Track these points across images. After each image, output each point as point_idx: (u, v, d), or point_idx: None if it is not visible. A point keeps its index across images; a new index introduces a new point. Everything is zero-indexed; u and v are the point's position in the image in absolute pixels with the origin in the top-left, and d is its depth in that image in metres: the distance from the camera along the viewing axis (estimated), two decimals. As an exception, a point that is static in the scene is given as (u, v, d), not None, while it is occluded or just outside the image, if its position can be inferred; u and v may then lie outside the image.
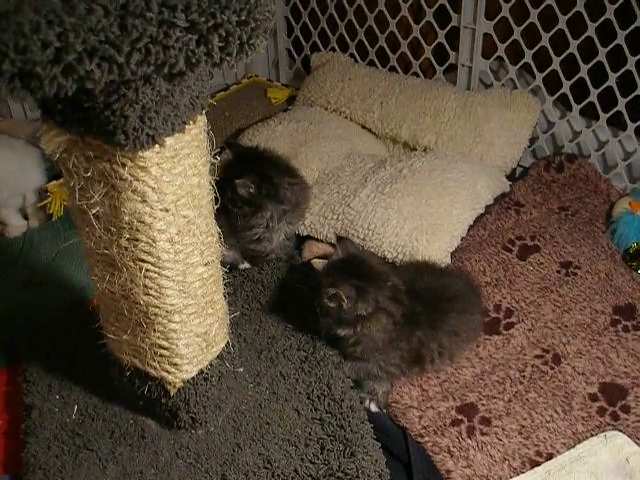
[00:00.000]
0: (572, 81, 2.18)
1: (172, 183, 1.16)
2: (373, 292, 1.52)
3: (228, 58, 0.97)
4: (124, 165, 1.11)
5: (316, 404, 1.53)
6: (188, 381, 1.41)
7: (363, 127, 2.44)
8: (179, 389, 1.42)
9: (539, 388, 1.59)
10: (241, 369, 1.58)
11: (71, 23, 0.89)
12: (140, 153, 1.10)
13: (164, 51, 0.93)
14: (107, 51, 0.90)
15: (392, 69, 2.59)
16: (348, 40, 2.67)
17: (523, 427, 1.51)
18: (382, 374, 1.61)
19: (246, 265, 1.95)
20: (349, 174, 2.07)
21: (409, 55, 2.52)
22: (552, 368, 1.63)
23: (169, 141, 1.12)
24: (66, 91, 0.92)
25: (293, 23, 2.81)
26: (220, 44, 0.95)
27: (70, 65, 0.89)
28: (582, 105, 2.21)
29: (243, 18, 0.95)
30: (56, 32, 0.88)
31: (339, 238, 1.72)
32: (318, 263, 1.90)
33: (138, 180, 1.13)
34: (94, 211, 1.18)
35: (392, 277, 1.58)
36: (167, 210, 1.18)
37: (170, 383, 1.41)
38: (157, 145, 1.10)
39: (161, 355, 1.37)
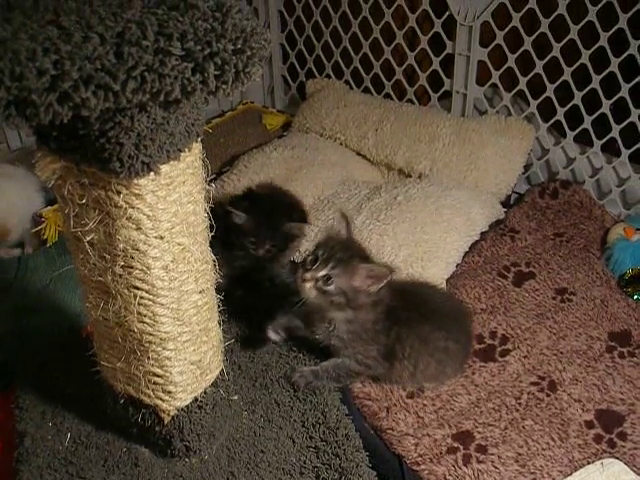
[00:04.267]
0: (566, 108, 2.20)
1: (167, 211, 1.16)
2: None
3: (224, 86, 0.97)
4: (119, 192, 1.11)
5: (311, 432, 1.52)
6: (182, 409, 1.40)
7: (358, 154, 2.45)
8: (173, 417, 1.40)
9: (535, 415, 1.58)
10: (236, 397, 1.57)
11: (67, 51, 0.89)
12: (135, 181, 1.10)
13: (160, 79, 0.93)
14: (103, 79, 0.90)
15: (387, 96, 2.61)
16: (343, 67, 2.69)
17: (519, 455, 1.50)
18: (361, 368, 1.62)
19: (240, 292, 1.94)
20: (344, 201, 2.07)
21: (404, 82, 2.54)
22: (548, 395, 1.62)
23: (164, 169, 1.12)
24: (62, 118, 0.92)
25: (289, 50, 2.83)
26: (216, 72, 0.95)
27: (66, 93, 0.90)
28: (576, 132, 2.22)
29: (239, 47, 0.95)
30: (52, 60, 0.88)
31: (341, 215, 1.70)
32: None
33: (133, 207, 1.12)
34: (89, 238, 1.17)
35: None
36: (162, 238, 1.18)
37: (164, 411, 1.40)
38: (152, 173, 1.10)
39: (155, 383, 1.36)
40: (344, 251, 1.56)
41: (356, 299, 1.54)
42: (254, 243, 1.84)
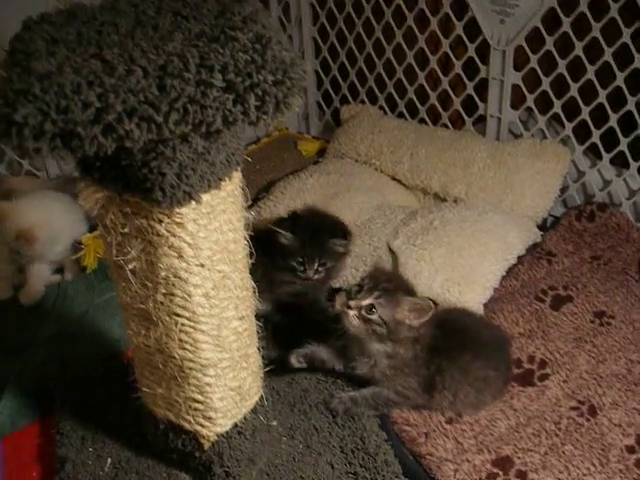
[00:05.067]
0: (602, 130, 2.19)
1: (208, 239, 1.18)
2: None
3: (264, 117, 0.98)
4: (161, 221, 1.13)
5: (350, 458, 1.52)
6: (222, 435, 1.41)
7: (393, 179, 2.45)
8: (213, 443, 1.41)
9: (575, 440, 1.56)
10: (275, 422, 1.57)
11: (111, 84, 0.91)
12: (177, 210, 1.11)
13: (202, 110, 0.94)
14: (146, 111, 0.92)
15: (421, 121, 2.61)
16: (377, 92, 2.70)
17: (560, 481, 1.49)
18: (399, 399, 1.61)
19: (279, 318, 1.95)
20: (380, 226, 2.07)
21: (438, 107, 2.54)
22: (588, 420, 1.61)
23: (205, 197, 1.13)
24: (106, 150, 0.93)
25: (323, 76, 2.85)
26: (257, 103, 0.96)
27: (110, 125, 0.91)
28: (612, 154, 2.21)
29: (279, 78, 0.97)
30: (96, 93, 0.90)
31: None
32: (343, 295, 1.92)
33: (175, 236, 1.14)
34: (131, 266, 1.19)
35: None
36: (203, 265, 1.19)
37: (204, 437, 1.41)
38: (194, 202, 1.12)
39: (195, 409, 1.37)
40: (389, 282, 1.57)
41: (397, 332, 1.54)
42: (302, 263, 1.85)
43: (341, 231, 1.91)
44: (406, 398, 1.62)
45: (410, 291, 1.60)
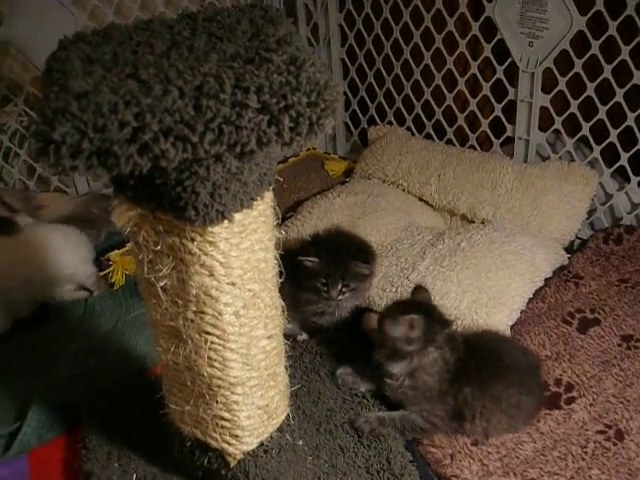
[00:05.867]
0: (630, 153, 2.18)
1: (239, 258, 1.18)
2: (437, 330, 1.58)
3: (298, 138, 0.99)
4: (193, 240, 1.13)
5: (375, 478, 1.52)
6: (248, 453, 1.41)
7: (420, 200, 2.45)
8: (239, 461, 1.41)
9: (602, 465, 1.55)
10: (300, 442, 1.57)
11: (147, 104, 0.92)
12: (209, 228, 1.12)
13: (237, 131, 0.95)
14: (182, 131, 0.93)
15: (449, 142, 2.62)
16: (405, 113, 2.71)
17: (586, 505, 1.48)
18: (426, 425, 1.61)
19: (305, 337, 1.96)
20: (407, 247, 2.07)
21: (466, 128, 2.55)
22: (615, 444, 1.59)
23: (238, 217, 1.14)
24: (141, 169, 0.95)
25: (351, 97, 2.86)
26: (291, 125, 0.97)
27: (146, 144, 0.92)
28: (641, 177, 2.21)
29: (313, 99, 0.98)
30: (133, 112, 0.91)
31: (416, 287, 1.77)
32: (369, 316, 1.93)
33: (206, 254, 1.15)
34: (162, 284, 1.20)
35: (455, 329, 1.66)
36: (234, 284, 1.20)
37: (230, 455, 1.41)
38: (226, 221, 1.12)
39: (222, 427, 1.37)
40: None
41: (397, 347, 1.59)
42: (325, 284, 1.86)
43: (364, 253, 1.91)
44: (433, 425, 1.62)
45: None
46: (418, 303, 1.71)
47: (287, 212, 2.43)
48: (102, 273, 2.19)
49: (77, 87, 0.95)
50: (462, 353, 1.62)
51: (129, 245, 2.07)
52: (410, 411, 1.63)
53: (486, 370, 1.61)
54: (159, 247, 1.17)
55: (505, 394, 1.60)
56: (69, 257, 2.14)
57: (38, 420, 1.72)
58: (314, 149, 2.99)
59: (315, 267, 1.84)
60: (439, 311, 1.70)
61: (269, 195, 1.21)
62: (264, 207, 1.20)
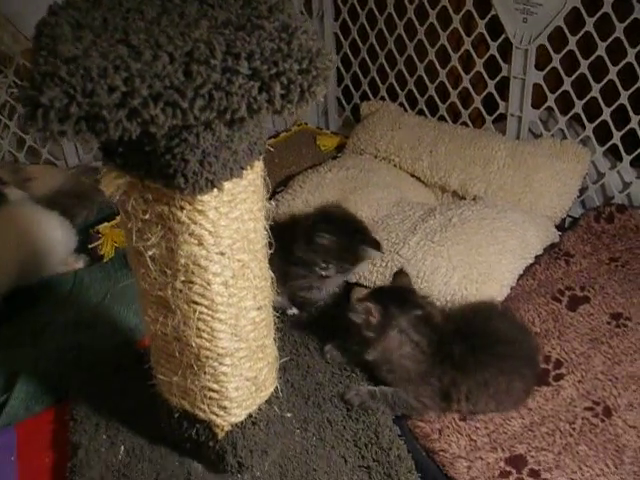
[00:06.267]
0: (623, 132, 2.18)
1: (229, 227, 1.18)
2: (397, 314, 1.59)
3: (289, 105, 0.98)
4: (182, 208, 1.13)
5: (363, 452, 1.52)
6: (236, 425, 1.41)
7: (412, 175, 2.44)
8: (227, 432, 1.42)
9: (589, 441, 1.55)
10: (289, 414, 1.58)
11: (137, 69, 0.91)
12: (199, 197, 1.11)
13: (227, 97, 0.95)
14: (172, 96, 0.92)
15: (441, 118, 2.60)
16: (398, 89, 2.69)
17: (573, 480, 1.48)
18: (417, 404, 1.62)
19: (294, 311, 1.96)
20: (398, 222, 2.07)
21: (459, 104, 2.54)
22: (603, 421, 1.60)
23: (227, 186, 1.13)
24: (130, 134, 0.94)
25: (343, 72, 2.84)
26: (282, 92, 0.96)
27: (135, 109, 0.92)
28: (633, 156, 2.20)
29: (305, 67, 0.97)
30: (122, 77, 0.91)
31: (397, 272, 1.78)
32: (359, 291, 1.94)
33: (196, 223, 1.14)
34: (150, 253, 1.19)
35: (431, 311, 1.65)
36: (223, 254, 1.19)
37: (218, 426, 1.41)
38: (215, 189, 1.12)
39: (211, 398, 1.37)
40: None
41: (364, 334, 1.62)
42: (325, 262, 1.85)
43: (372, 239, 1.91)
44: (423, 404, 1.62)
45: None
46: (391, 290, 1.74)
47: (278, 186, 2.42)
48: (91, 245, 2.18)
49: (66, 52, 0.94)
50: (446, 334, 1.62)
51: (118, 218, 2.07)
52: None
53: (474, 355, 1.60)
54: (148, 216, 1.16)
55: (494, 381, 1.60)
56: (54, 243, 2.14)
57: (26, 392, 1.72)
58: (306, 124, 2.97)
59: (328, 245, 1.84)
60: (416, 295, 1.71)
61: (259, 165, 1.21)
62: (254, 177, 1.19)
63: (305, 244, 1.83)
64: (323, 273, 1.85)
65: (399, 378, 1.62)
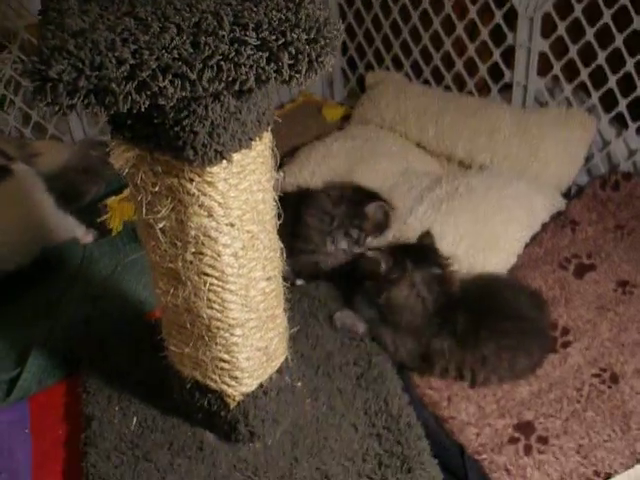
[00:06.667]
0: (628, 99, 2.17)
1: (238, 198, 1.18)
2: (411, 268, 1.66)
3: (297, 75, 0.98)
4: (192, 180, 1.13)
5: (373, 420, 1.54)
6: (248, 394, 1.42)
7: (418, 145, 2.45)
8: (238, 402, 1.43)
9: (597, 407, 1.57)
10: (299, 384, 1.59)
11: (145, 41, 0.92)
12: (208, 169, 1.12)
13: (235, 68, 0.95)
14: (180, 68, 0.93)
15: (447, 88, 2.60)
16: (403, 59, 2.68)
17: (581, 446, 1.49)
18: (391, 348, 1.70)
19: (301, 282, 1.97)
20: (405, 191, 2.08)
21: (464, 74, 2.53)
22: (610, 387, 1.61)
23: (236, 157, 1.14)
24: (139, 107, 0.94)
25: (348, 42, 2.83)
26: (290, 62, 0.97)
27: (144, 81, 0.92)
28: (638, 123, 2.20)
29: (312, 36, 0.97)
30: (131, 49, 0.91)
31: (422, 233, 1.81)
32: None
33: (205, 195, 1.15)
34: (160, 225, 1.20)
35: (448, 273, 1.70)
36: (232, 225, 1.20)
37: (230, 396, 1.42)
38: (225, 161, 1.12)
39: (222, 368, 1.38)
40: None
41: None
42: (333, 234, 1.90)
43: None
44: (396, 352, 1.69)
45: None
46: (412, 246, 1.77)
47: (284, 158, 2.41)
48: (99, 219, 2.18)
49: (74, 25, 0.94)
50: (454, 301, 1.65)
51: (126, 191, 2.08)
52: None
53: (476, 330, 1.63)
54: (157, 188, 1.16)
55: (494, 357, 1.62)
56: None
57: (38, 365, 1.74)
58: (311, 95, 2.96)
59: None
60: (437, 254, 1.73)
61: (267, 136, 1.21)
62: (262, 148, 1.19)
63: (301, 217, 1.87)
64: (331, 249, 1.87)
65: (393, 320, 1.68)
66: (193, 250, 1.22)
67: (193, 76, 0.93)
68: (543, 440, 1.51)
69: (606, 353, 1.70)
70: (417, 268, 1.66)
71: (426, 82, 2.66)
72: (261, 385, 1.44)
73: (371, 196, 1.93)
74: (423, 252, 1.73)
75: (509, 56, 2.37)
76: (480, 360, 1.62)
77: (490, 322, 1.64)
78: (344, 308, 1.80)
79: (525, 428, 1.54)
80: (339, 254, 1.93)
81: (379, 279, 1.68)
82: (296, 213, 1.85)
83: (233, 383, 1.40)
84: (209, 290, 1.26)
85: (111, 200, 2.22)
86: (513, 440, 1.51)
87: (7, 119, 2.54)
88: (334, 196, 1.92)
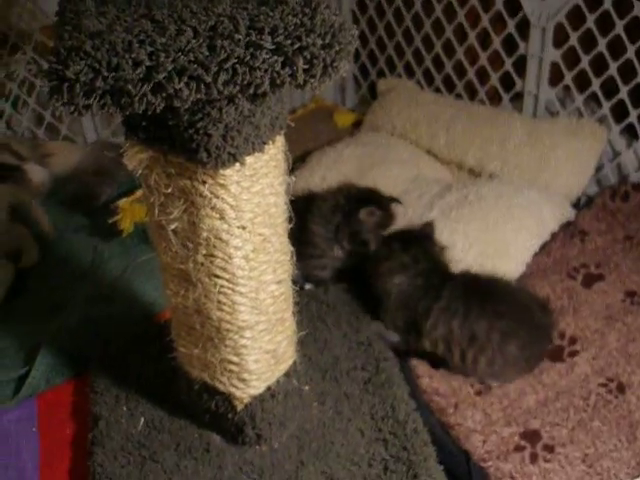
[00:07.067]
0: (639, 110, 2.17)
1: (250, 201, 1.19)
2: (397, 246, 1.76)
3: (312, 80, 0.99)
4: (204, 182, 1.14)
5: (380, 425, 1.54)
6: (255, 397, 1.43)
7: (429, 153, 2.45)
8: (246, 405, 1.43)
9: (603, 417, 1.57)
10: (306, 388, 1.59)
11: (162, 43, 0.93)
12: (221, 171, 1.13)
13: (250, 72, 0.96)
14: (196, 71, 0.94)
15: (458, 96, 2.60)
16: (415, 66, 2.69)
17: (587, 455, 1.49)
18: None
19: (310, 286, 1.97)
20: (415, 198, 2.08)
21: (476, 82, 2.53)
22: (616, 397, 1.61)
23: (249, 160, 1.15)
24: (154, 108, 0.95)
25: (360, 49, 2.83)
26: (305, 66, 0.97)
27: (160, 83, 0.93)
28: (649, 134, 2.20)
29: (327, 41, 0.98)
30: (147, 51, 0.92)
31: (425, 223, 1.88)
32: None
33: (217, 197, 1.15)
34: (173, 227, 1.21)
35: (438, 258, 1.78)
36: (244, 228, 1.21)
37: (237, 398, 1.43)
38: (238, 164, 1.13)
39: (230, 370, 1.39)
40: None
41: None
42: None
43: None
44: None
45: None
46: (410, 231, 1.86)
47: (295, 162, 2.41)
48: (110, 220, 2.19)
49: (91, 26, 0.96)
50: (448, 283, 1.70)
51: (138, 193, 2.09)
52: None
53: (467, 305, 1.66)
54: (170, 190, 1.17)
55: (484, 337, 1.63)
56: None
57: (47, 364, 1.75)
58: (323, 100, 2.96)
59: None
60: (433, 241, 1.81)
61: (280, 139, 1.22)
62: (275, 151, 1.20)
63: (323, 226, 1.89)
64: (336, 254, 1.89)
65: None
66: (204, 252, 1.22)
67: (208, 79, 0.94)
68: (549, 449, 1.51)
69: (613, 363, 1.69)
70: (405, 249, 1.73)
71: (438, 90, 2.66)
72: (269, 388, 1.44)
73: (362, 200, 1.94)
74: (415, 237, 1.80)
75: (521, 65, 2.38)
76: (468, 337, 1.63)
77: (484, 301, 1.66)
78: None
79: (531, 436, 1.54)
80: (348, 256, 1.94)
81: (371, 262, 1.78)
82: (301, 220, 1.86)
83: (241, 385, 1.41)
84: (219, 292, 1.27)
85: (122, 201, 2.22)
86: (519, 448, 1.51)
87: (20, 120, 2.56)
88: (330, 205, 1.93)
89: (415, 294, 1.70)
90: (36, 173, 2.35)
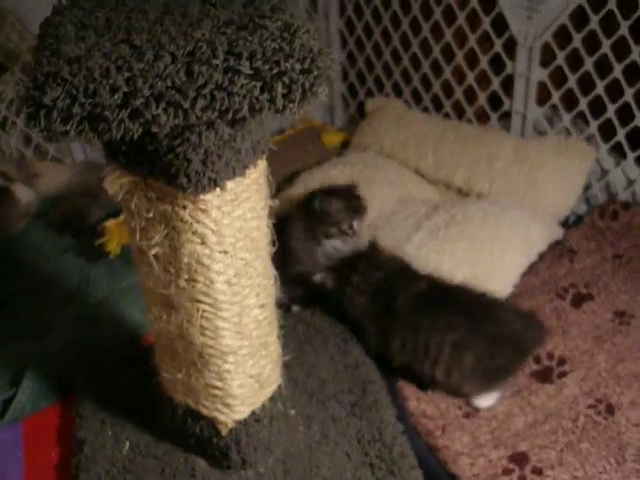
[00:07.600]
0: (627, 129, 2.17)
1: (231, 226, 1.18)
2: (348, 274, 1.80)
3: (291, 105, 0.98)
4: (185, 207, 1.13)
5: (366, 449, 1.53)
6: (240, 422, 1.42)
7: (417, 172, 2.45)
8: (231, 429, 1.42)
9: (592, 439, 1.56)
10: (292, 411, 1.58)
11: (139, 69, 0.92)
12: (201, 196, 1.12)
13: (229, 97, 0.95)
14: (173, 96, 0.93)
15: (446, 115, 2.61)
16: (403, 86, 2.69)
17: (575, 478, 1.48)
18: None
19: (297, 308, 1.96)
20: (402, 219, 2.08)
21: (463, 102, 2.54)
22: (605, 418, 1.60)
23: (230, 185, 1.14)
24: (132, 134, 0.94)
25: (349, 69, 2.85)
26: (283, 91, 0.97)
27: (137, 109, 0.93)
28: (637, 153, 2.19)
29: (306, 66, 0.97)
30: (125, 77, 0.92)
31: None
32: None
33: (198, 222, 1.15)
34: (154, 251, 1.20)
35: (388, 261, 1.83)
36: (226, 252, 1.20)
37: (222, 423, 1.42)
38: (218, 188, 1.12)
39: (214, 395, 1.38)
40: None
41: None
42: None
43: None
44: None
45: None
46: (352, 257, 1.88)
47: (283, 183, 2.42)
48: (98, 242, 2.18)
49: (69, 52, 0.95)
50: (404, 296, 1.71)
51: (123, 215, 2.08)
52: None
53: (421, 313, 1.67)
54: (151, 214, 1.16)
55: (435, 346, 1.63)
56: None
57: (33, 388, 1.73)
58: (311, 120, 2.97)
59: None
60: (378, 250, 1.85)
61: (262, 163, 1.21)
62: (257, 175, 1.20)
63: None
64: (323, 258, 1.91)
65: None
66: (186, 277, 1.22)
67: (186, 104, 0.93)
68: (538, 471, 1.50)
69: (602, 384, 1.68)
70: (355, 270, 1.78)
71: (426, 109, 2.66)
72: (254, 412, 1.43)
73: (315, 194, 1.96)
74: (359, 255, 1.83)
75: (508, 85, 2.38)
76: (423, 349, 1.64)
77: (438, 312, 1.66)
78: None
79: (519, 459, 1.53)
80: (333, 254, 1.94)
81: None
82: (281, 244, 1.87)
83: (225, 410, 1.40)
84: (202, 317, 1.26)
85: (110, 223, 2.21)
86: (507, 471, 1.50)
87: (8, 140, 2.55)
88: (298, 216, 1.93)
89: (377, 311, 1.74)
90: (24, 194, 2.34)
